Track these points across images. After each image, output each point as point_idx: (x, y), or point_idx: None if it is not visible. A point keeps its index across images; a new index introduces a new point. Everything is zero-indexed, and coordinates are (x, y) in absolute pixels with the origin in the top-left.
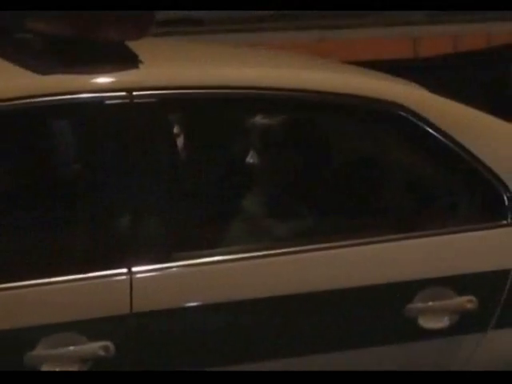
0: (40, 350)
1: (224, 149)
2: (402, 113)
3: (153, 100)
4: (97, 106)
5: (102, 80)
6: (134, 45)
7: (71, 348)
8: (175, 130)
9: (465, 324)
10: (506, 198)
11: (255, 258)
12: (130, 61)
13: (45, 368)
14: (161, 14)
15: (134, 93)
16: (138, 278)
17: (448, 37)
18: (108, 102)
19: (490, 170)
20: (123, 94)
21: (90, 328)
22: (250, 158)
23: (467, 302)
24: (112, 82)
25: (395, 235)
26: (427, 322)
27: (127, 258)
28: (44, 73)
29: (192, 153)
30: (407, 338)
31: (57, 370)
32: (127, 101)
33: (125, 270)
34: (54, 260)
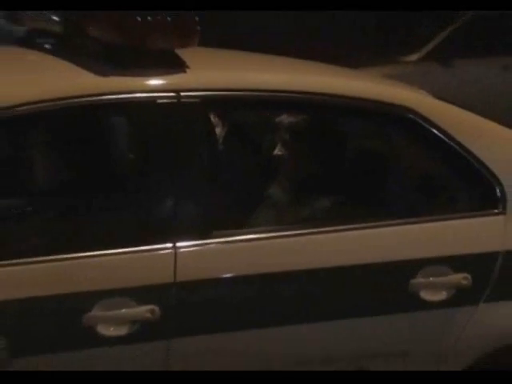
0: (96, 312)
1: (257, 142)
2: (411, 115)
3: (197, 100)
4: (148, 104)
5: (154, 82)
6: (182, 52)
7: (123, 311)
8: (217, 125)
9: (460, 298)
10: (498, 190)
11: (281, 237)
12: (179, 65)
13: (100, 327)
14: None
15: (182, 93)
16: (181, 251)
17: None
18: (158, 101)
19: (485, 167)
20: (172, 94)
21: (139, 294)
22: (278, 151)
23: (462, 278)
24: (162, 84)
25: (403, 220)
26: (428, 295)
27: (173, 235)
28: (102, 74)
29: (231, 145)
30: (411, 309)
31: (111, 329)
32: (175, 100)
33: (170, 245)
34: (110, 235)
